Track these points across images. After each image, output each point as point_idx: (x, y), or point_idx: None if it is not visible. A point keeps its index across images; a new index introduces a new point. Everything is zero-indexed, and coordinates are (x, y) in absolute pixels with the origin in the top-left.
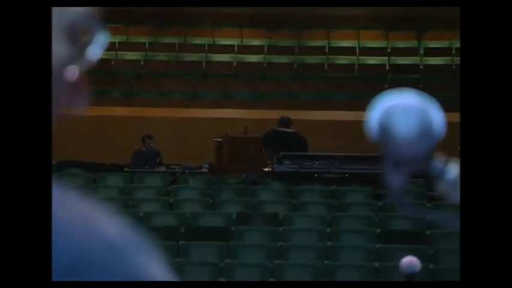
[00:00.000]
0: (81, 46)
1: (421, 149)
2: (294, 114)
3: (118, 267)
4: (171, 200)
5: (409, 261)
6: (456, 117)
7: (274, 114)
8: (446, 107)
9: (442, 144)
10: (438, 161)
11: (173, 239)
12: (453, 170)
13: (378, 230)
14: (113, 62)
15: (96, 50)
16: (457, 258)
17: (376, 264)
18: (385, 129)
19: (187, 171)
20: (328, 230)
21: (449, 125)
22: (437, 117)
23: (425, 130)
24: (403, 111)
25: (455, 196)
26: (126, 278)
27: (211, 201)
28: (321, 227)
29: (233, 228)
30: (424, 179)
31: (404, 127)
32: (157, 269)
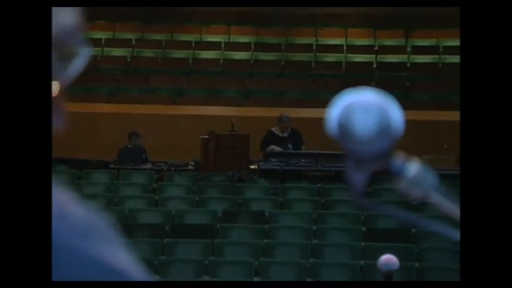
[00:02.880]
0: (65, 60)
1: (380, 147)
2: (281, 112)
3: (83, 251)
4: (156, 197)
5: (387, 259)
6: (443, 115)
7: (261, 112)
8: (433, 105)
9: (431, 141)
10: (398, 159)
11: (158, 236)
12: (412, 168)
13: (364, 228)
14: (99, 59)
15: (78, 64)
16: (442, 256)
17: (362, 263)
18: (344, 127)
19: (173, 169)
20: (314, 227)
21: (436, 123)
22: (395, 115)
23: (384, 128)
24: (362, 109)
25: (415, 193)
26: (89, 263)
27: (196, 198)
28: (306, 225)
29: (218, 226)
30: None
31: (363, 125)
32: (117, 253)
